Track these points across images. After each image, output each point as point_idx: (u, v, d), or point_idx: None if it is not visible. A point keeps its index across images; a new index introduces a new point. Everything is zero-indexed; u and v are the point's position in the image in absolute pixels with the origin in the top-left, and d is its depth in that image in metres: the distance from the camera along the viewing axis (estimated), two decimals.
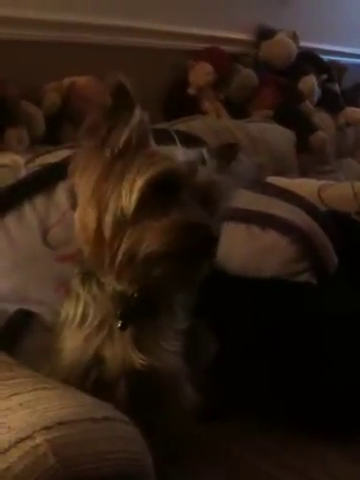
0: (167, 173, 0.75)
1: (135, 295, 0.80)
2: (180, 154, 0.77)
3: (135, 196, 0.74)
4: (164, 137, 0.82)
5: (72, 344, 0.82)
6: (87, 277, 0.83)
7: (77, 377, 0.81)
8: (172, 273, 0.76)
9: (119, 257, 0.75)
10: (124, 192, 0.75)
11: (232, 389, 0.96)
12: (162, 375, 0.81)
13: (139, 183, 0.74)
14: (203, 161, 0.79)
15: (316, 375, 1.01)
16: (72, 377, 0.81)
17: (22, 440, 0.54)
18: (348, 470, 0.95)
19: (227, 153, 0.84)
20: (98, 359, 0.82)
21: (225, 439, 0.95)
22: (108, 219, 0.75)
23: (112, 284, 0.80)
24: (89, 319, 0.82)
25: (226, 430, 0.96)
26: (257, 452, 0.95)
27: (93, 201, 0.76)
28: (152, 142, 0.78)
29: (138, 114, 0.76)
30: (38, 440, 0.54)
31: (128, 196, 0.74)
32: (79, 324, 0.82)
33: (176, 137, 0.82)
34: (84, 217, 0.78)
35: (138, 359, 0.80)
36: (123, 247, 0.75)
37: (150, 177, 0.74)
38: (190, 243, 0.73)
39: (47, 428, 0.55)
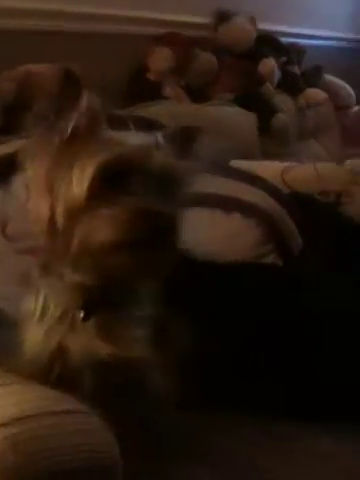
0: (117, 159, 0.73)
1: (97, 285, 0.78)
2: (132, 139, 0.76)
3: (85, 184, 0.72)
4: (119, 123, 0.80)
5: (34, 337, 0.81)
6: (46, 269, 0.81)
7: (41, 370, 0.79)
8: (130, 262, 0.74)
9: (73, 247, 0.73)
10: (75, 180, 0.73)
11: (211, 379, 0.95)
12: (128, 364, 0.80)
13: (89, 170, 0.72)
14: (157, 145, 0.77)
15: (307, 365, 1.00)
16: (36, 370, 0.79)
17: None
18: (343, 458, 0.92)
19: (188, 136, 0.82)
20: (61, 351, 0.80)
21: (212, 430, 0.92)
22: (60, 208, 0.73)
23: (69, 275, 0.78)
24: (49, 311, 0.80)
25: (213, 421, 0.94)
26: (246, 443, 0.92)
27: (45, 190, 0.75)
28: (105, 128, 0.77)
29: (86, 100, 0.74)
30: None
31: (79, 184, 0.73)
32: (40, 317, 0.81)
33: (131, 123, 0.80)
34: (37, 207, 0.76)
35: (103, 349, 0.79)
36: (76, 237, 0.73)
37: (100, 163, 0.73)
38: (142, 231, 0.71)
39: (5, 425, 0.53)
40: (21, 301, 1.06)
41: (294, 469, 0.89)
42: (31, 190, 0.77)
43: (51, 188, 0.74)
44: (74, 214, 0.73)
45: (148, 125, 0.89)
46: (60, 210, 0.73)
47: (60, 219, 0.74)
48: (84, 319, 0.79)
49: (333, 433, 0.96)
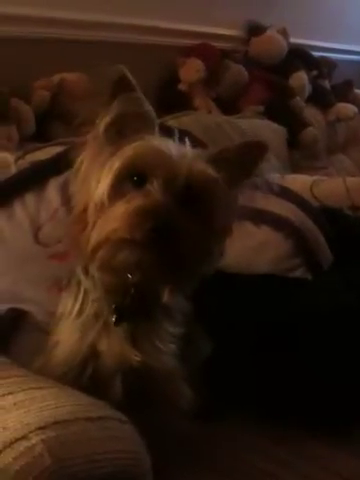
0: (135, 160, 0.74)
1: (132, 291, 0.78)
2: (174, 148, 0.76)
3: (108, 181, 0.74)
4: (165, 132, 0.80)
5: (68, 338, 0.81)
6: (86, 268, 0.81)
7: (73, 372, 0.80)
8: (135, 261, 0.73)
9: (91, 243, 0.75)
10: (103, 177, 0.75)
11: (224, 387, 0.95)
12: (157, 373, 0.80)
13: (113, 168, 0.74)
14: (196, 157, 0.76)
15: (312, 372, 1.00)
16: (69, 372, 0.79)
17: (17, 440, 0.52)
18: (344, 464, 0.94)
19: (253, 152, 0.78)
20: (94, 353, 0.80)
21: (219, 437, 0.94)
22: (91, 205, 0.75)
23: (99, 275, 0.79)
24: (87, 309, 0.81)
25: (219, 428, 0.95)
26: (252, 450, 0.94)
27: (84, 187, 0.77)
28: (155, 134, 0.77)
29: (137, 103, 0.76)
30: (34, 440, 0.52)
31: (104, 182, 0.74)
32: (77, 314, 0.81)
33: (176, 132, 0.79)
34: (76, 204, 0.78)
35: (133, 356, 0.79)
36: (95, 233, 0.74)
37: (122, 163, 0.74)
38: (146, 231, 0.71)
39: (42, 428, 0.53)
40: (50, 307, 1.07)
41: (299, 477, 0.90)
42: (76, 186, 0.79)
43: (88, 185, 0.76)
44: (99, 211, 0.74)
45: (182, 136, 0.88)
46: (91, 207, 0.75)
47: (90, 216, 0.75)
48: (116, 323, 0.80)
49: (347, 450, 0.96)
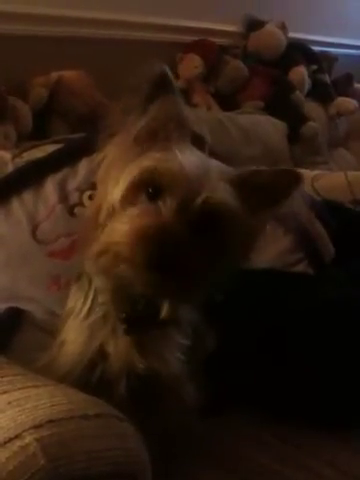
0: (153, 172, 0.70)
1: (142, 301, 0.76)
2: (189, 165, 0.70)
3: (123, 187, 0.71)
4: (197, 140, 0.76)
5: (78, 336, 0.79)
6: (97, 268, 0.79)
7: (81, 372, 0.78)
8: (134, 274, 0.70)
9: (96, 247, 0.73)
10: (121, 181, 0.72)
11: (227, 383, 0.94)
12: (162, 378, 0.79)
13: (131, 174, 0.71)
14: (208, 176, 0.71)
15: (316, 367, 0.99)
16: (76, 371, 0.78)
17: (10, 440, 0.51)
18: (349, 461, 0.93)
19: (285, 181, 0.72)
20: (102, 355, 0.79)
21: (222, 434, 0.93)
22: (104, 206, 0.73)
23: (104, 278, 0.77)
24: (96, 309, 0.79)
25: (223, 426, 0.94)
26: (256, 446, 0.93)
27: (103, 184, 0.74)
28: (186, 141, 0.73)
29: (174, 106, 0.72)
30: (27, 439, 0.51)
31: (120, 186, 0.72)
32: (87, 314, 0.79)
33: (206, 145, 0.76)
34: (95, 199, 0.76)
35: (139, 363, 0.77)
36: (100, 238, 0.72)
37: (140, 172, 0.71)
38: (144, 254, 0.67)
39: (36, 427, 0.52)
40: (49, 304, 1.06)
41: (304, 474, 0.89)
42: (98, 181, 0.76)
43: (107, 183, 0.74)
44: (110, 214, 0.72)
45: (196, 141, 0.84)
46: (104, 207, 0.73)
47: (101, 217, 0.73)
48: (126, 332, 0.78)
49: (351, 446, 0.95)
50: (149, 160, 0.71)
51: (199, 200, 0.69)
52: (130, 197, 0.71)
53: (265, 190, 0.72)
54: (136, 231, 0.68)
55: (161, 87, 0.72)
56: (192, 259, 0.68)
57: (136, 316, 0.77)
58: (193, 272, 0.69)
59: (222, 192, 0.70)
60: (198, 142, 0.76)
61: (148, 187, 0.70)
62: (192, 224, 0.69)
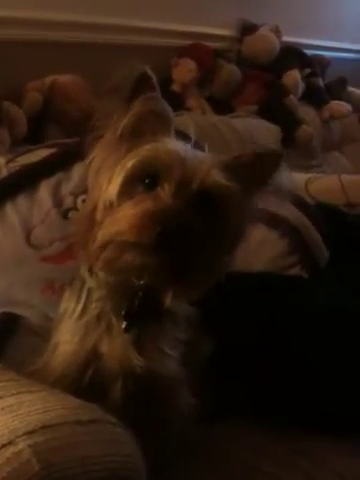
0: (148, 162, 0.72)
1: (140, 295, 0.77)
2: (182, 150, 0.73)
3: (119, 181, 0.72)
4: (180, 137, 0.78)
5: (71, 337, 0.79)
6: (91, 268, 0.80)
7: (74, 373, 0.78)
8: (139, 263, 0.71)
9: (96, 243, 0.73)
10: (114, 177, 0.73)
11: (225, 389, 0.94)
12: (160, 379, 0.79)
13: (125, 168, 0.72)
14: (201, 160, 0.74)
15: (311, 371, 0.99)
16: (69, 373, 0.78)
17: (4, 446, 0.51)
18: (346, 465, 0.93)
19: (267, 161, 0.76)
20: (96, 355, 0.79)
21: (220, 438, 0.93)
22: (100, 203, 0.74)
23: (100, 274, 0.77)
24: (90, 309, 0.79)
25: (220, 429, 0.94)
26: (254, 450, 0.93)
27: (95, 184, 0.75)
28: (171, 136, 0.75)
29: (155, 103, 0.74)
30: (21, 446, 0.51)
31: (115, 181, 0.73)
32: (80, 315, 0.79)
33: (193, 137, 0.77)
34: (87, 200, 0.77)
35: (136, 361, 0.77)
36: (100, 233, 0.73)
37: (135, 163, 0.72)
38: (149, 234, 0.69)
39: (30, 433, 0.52)
40: (44, 309, 1.06)
41: (302, 478, 0.89)
42: (89, 184, 0.77)
43: (99, 182, 0.74)
44: (107, 210, 0.73)
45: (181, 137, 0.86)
46: (100, 205, 0.73)
47: (98, 214, 0.74)
48: (126, 330, 0.78)
49: (349, 450, 0.95)
50: (141, 152, 0.73)
51: (196, 183, 0.72)
52: (127, 191, 0.73)
53: (250, 171, 0.76)
54: (139, 216, 0.70)
55: (142, 85, 0.74)
56: (194, 239, 0.71)
57: (135, 311, 0.77)
58: (195, 253, 0.71)
59: (216, 174, 0.73)
60: (182, 139, 0.77)
61: (144, 178, 0.72)
62: (191, 205, 0.71)
